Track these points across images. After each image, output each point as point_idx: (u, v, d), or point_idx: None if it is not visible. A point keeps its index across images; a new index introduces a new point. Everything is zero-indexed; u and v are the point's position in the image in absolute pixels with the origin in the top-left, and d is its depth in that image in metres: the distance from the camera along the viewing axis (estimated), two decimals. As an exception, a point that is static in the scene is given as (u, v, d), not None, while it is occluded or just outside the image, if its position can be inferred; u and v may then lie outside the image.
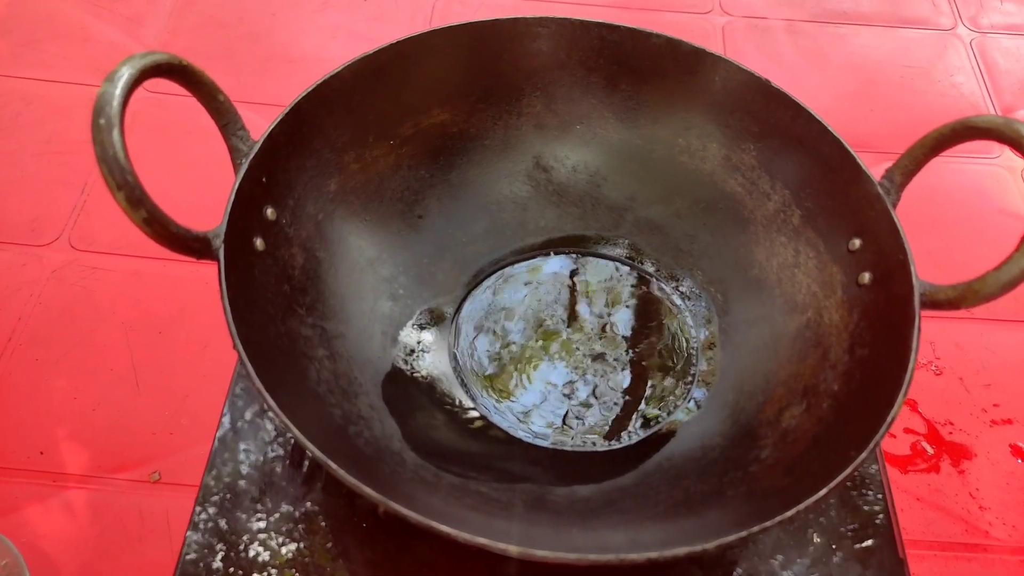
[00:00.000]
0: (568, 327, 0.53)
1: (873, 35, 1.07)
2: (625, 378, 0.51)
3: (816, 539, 0.49)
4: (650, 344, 0.53)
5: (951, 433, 0.72)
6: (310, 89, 0.48)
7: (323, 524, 0.48)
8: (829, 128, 0.49)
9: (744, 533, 0.33)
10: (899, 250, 0.44)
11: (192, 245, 0.39)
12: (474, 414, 0.48)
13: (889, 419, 0.37)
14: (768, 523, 0.34)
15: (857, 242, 0.47)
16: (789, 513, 0.34)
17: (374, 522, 0.49)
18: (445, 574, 0.48)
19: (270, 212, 0.46)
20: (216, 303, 0.77)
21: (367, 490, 0.33)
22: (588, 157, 0.57)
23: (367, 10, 1.04)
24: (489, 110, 0.56)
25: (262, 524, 0.48)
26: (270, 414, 0.53)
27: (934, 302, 0.42)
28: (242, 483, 0.50)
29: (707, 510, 0.40)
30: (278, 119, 0.46)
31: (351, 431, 0.42)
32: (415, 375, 0.49)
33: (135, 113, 0.92)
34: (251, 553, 0.48)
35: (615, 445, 0.48)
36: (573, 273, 0.56)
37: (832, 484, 0.35)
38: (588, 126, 0.57)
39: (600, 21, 0.53)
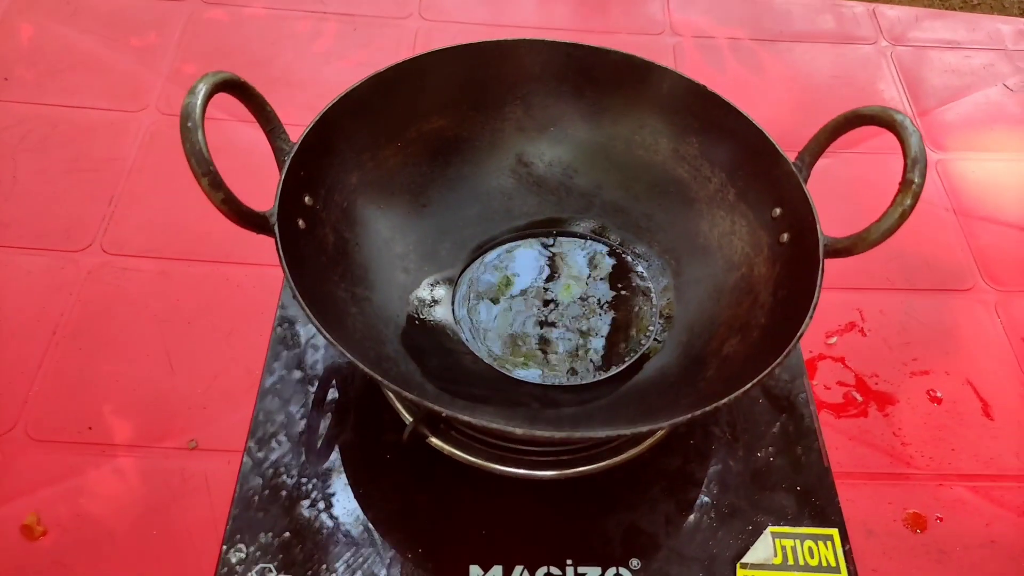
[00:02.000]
0: (551, 303, 0.64)
1: (805, 50, 1.21)
2: (604, 328, 0.62)
3: (761, 454, 0.61)
4: (621, 303, 0.64)
5: (877, 384, 0.84)
6: (335, 100, 0.59)
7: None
8: (753, 121, 0.61)
9: (688, 415, 0.44)
10: (808, 214, 0.56)
11: (256, 221, 0.50)
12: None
13: (798, 334, 0.49)
14: (707, 408, 0.45)
15: (778, 211, 0.59)
16: (722, 402, 0.45)
17: (396, 453, 0.60)
18: (459, 493, 0.59)
19: (308, 199, 0.56)
20: (236, 297, 0.87)
21: (406, 393, 0.44)
22: (561, 153, 0.69)
23: (356, 38, 1.16)
24: (478, 116, 0.67)
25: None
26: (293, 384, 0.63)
27: (835, 250, 0.54)
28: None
29: (664, 413, 0.51)
30: (312, 124, 0.57)
31: (384, 366, 0.53)
32: (428, 324, 0.60)
33: (154, 134, 1.02)
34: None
35: (595, 378, 0.59)
36: (551, 253, 0.67)
37: (752, 382, 0.46)
38: (560, 128, 0.68)
39: (568, 41, 0.65)
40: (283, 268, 0.49)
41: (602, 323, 0.62)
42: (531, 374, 0.59)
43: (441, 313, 0.61)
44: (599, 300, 0.64)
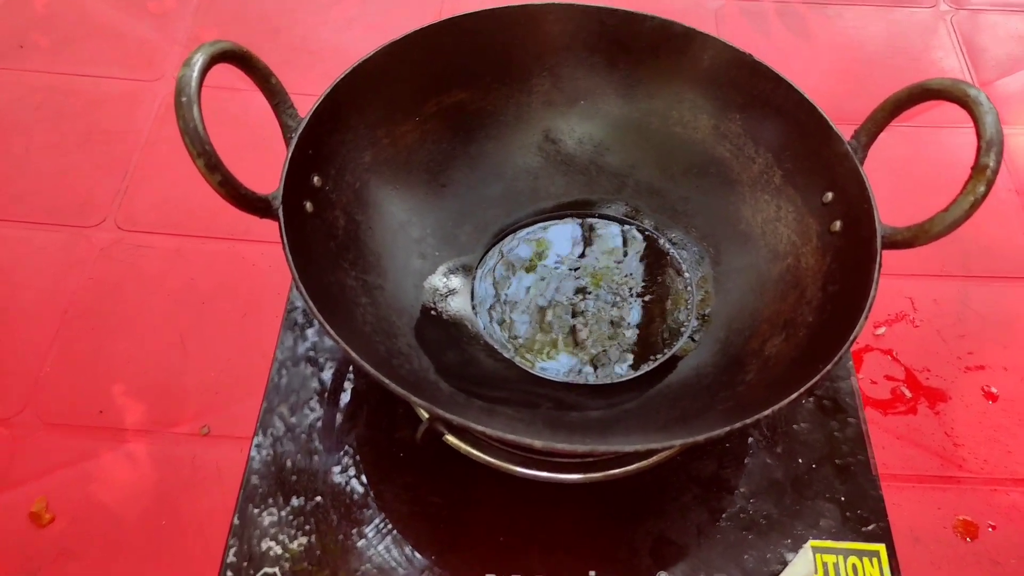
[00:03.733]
0: (576, 292, 0.60)
1: (858, 15, 1.13)
2: (634, 320, 0.58)
3: (802, 459, 0.56)
4: (654, 293, 0.59)
5: (928, 379, 0.78)
6: (347, 72, 0.54)
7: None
8: (805, 96, 0.55)
9: (728, 428, 0.40)
10: (864, 200, 0.50)
11: (257, 205, 0.46)
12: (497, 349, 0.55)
13: (852, 337, 0.44)
14: (748, 420, 0.40)
15: (830, 195, 0.54)
16: (766, 412, 0.41)
17: (409, 452, 0.56)
18: (476, 496, 0.55)
19: (316, 180, 0.52)
20: (252, 277, 0.84)
21: (414, 399, 0.40)
22: (592, 129, 0.64)
23: (379, 1, 1.11)
24: (503, 89, 0.62)
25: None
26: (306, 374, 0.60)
27: (893, 242, 0.48)
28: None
29: (700, 421, 0.47)
30: (321, 98, 0.52)
31: (394, 363, 0.49)
32: (444, 316, 0.56)
33: (170, 105, 0.98)
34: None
35: (622, 377, 0.54)
36: (580, 238, 0.62)
37: (802, 390, 0.41)
38: (591, 102, 0.63)
39: (600, 6, 0.60)
40: (287, 257, 0.46)
41: (633, 315, 0.58)
42: (553, 366, 0.55)
43: (458, 304, 0.57)
44: (631, 290, 0.59)
